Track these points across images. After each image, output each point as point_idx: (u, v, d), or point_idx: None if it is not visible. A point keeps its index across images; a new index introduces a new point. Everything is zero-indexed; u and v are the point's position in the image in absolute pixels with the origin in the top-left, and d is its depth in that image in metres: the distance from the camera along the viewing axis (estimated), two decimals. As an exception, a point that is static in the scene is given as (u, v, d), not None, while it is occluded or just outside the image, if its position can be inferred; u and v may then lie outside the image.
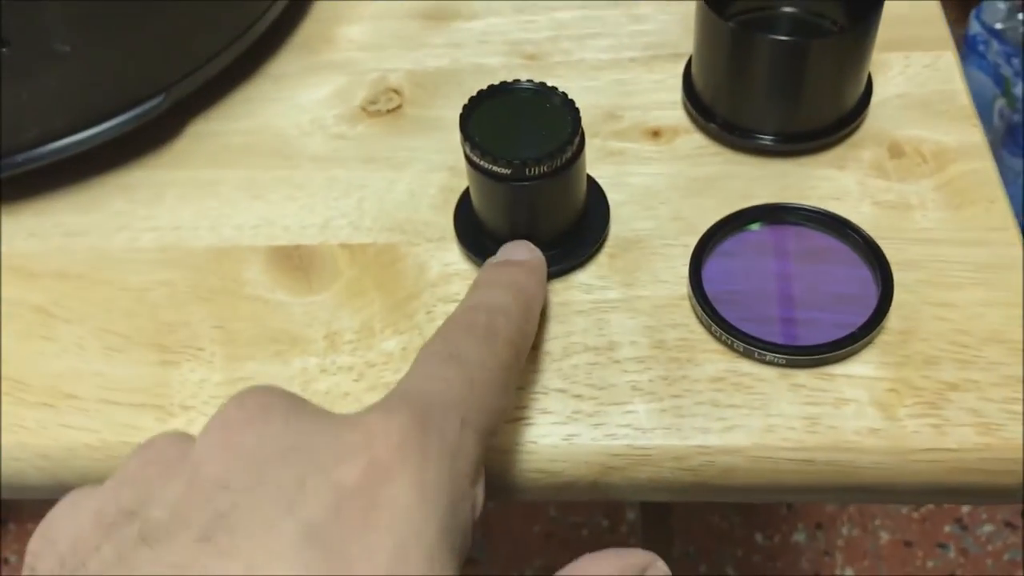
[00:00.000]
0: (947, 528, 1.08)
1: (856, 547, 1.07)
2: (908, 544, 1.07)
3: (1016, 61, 1.19)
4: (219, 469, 0.21)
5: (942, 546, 1.07)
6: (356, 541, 0.19)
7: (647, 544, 1.05)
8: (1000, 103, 1.22)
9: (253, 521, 0.19)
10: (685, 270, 0.35)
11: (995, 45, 1.21)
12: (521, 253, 0.33)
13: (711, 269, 0.35)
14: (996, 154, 1.21)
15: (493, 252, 0.36)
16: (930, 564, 1.05)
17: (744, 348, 0.32)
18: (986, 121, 1.24)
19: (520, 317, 0.29)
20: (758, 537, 1.10)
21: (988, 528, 1.07)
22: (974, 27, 1.23)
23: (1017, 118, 1.20)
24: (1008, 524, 1.08)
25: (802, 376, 0.32)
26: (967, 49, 1.24)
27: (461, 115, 0.33)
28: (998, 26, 1.21)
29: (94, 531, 0.21)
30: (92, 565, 0.20)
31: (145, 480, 0.22)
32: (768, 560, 1.08)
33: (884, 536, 1.08)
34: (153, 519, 0.20)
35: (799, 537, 1.10)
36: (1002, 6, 1.21)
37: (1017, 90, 1.19)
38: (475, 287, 0.31)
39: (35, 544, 0.23)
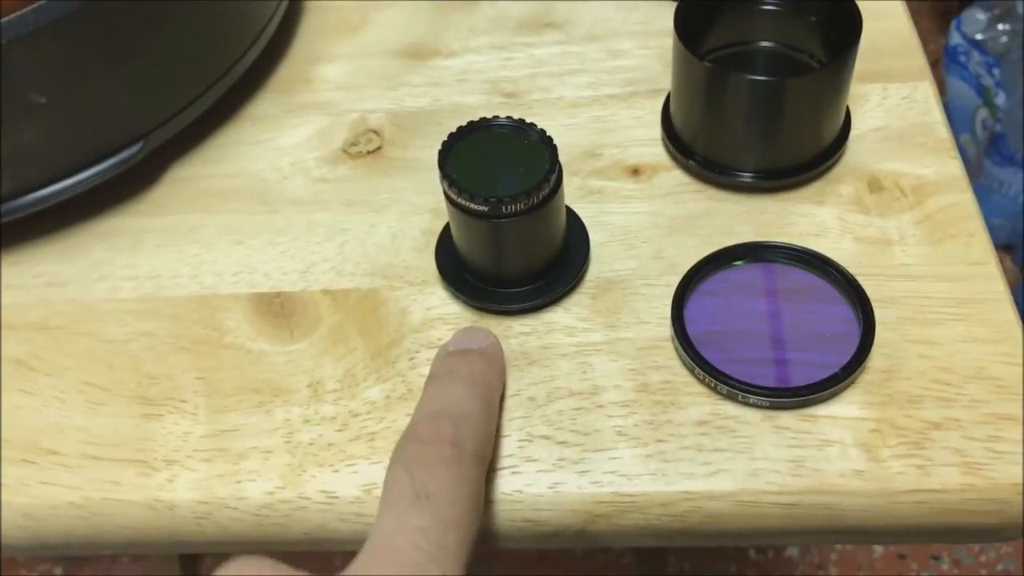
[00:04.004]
0: (940, 539, 1.08)
1: (850, 560, 1.07)
2: (902, 557, 1.07)
3: (997, 71, 1.20)
4: None
5: (936, 558, 1.07)
6: None
7: (641, 561, 1.04)
8: (982, 113, 1.22)
9: None
10: (667, 310, 0.35)
11: (976, 55, 1.22)
12: (478, 340, 0.33)
13: (693, 309, 0.35)
14: (980, 164, 1.22)
15: (474, 288, 0.36)
16: (924, 576, 1.05)
17: (728, 391, 0.32)
18: (968, 132, 1.24)
19: (483, 419, 0.29)
20: (751, 552, 1.10)
21: (981, 538, 1.07)
22: (955, 38, 1.24)
23: (999, 128, 1.20)
24: (1000, 534, 1.08)
25: (786, 418, 0.32)
26: (948, 60, 1.25)
27: (440, 152, 0.33)
28: (978, 36, 1.22)
29: None
30: None
31: None
32: (762, 575, 1.08)
33: (878, 549, 1.08)
34: None
35: (792, 552, 1.09)
36: (982, 17, 1.22)
37: (999, 100, 1.20)
38: (434, 381, 0.31)
39: None
